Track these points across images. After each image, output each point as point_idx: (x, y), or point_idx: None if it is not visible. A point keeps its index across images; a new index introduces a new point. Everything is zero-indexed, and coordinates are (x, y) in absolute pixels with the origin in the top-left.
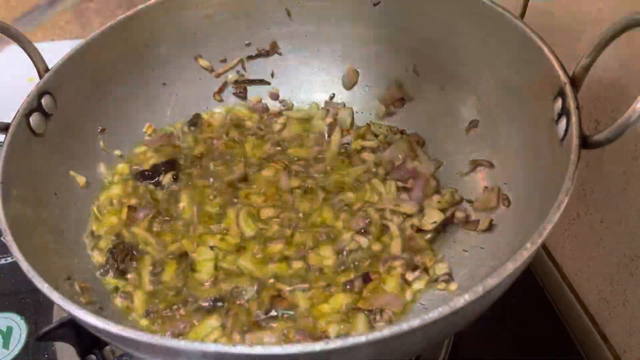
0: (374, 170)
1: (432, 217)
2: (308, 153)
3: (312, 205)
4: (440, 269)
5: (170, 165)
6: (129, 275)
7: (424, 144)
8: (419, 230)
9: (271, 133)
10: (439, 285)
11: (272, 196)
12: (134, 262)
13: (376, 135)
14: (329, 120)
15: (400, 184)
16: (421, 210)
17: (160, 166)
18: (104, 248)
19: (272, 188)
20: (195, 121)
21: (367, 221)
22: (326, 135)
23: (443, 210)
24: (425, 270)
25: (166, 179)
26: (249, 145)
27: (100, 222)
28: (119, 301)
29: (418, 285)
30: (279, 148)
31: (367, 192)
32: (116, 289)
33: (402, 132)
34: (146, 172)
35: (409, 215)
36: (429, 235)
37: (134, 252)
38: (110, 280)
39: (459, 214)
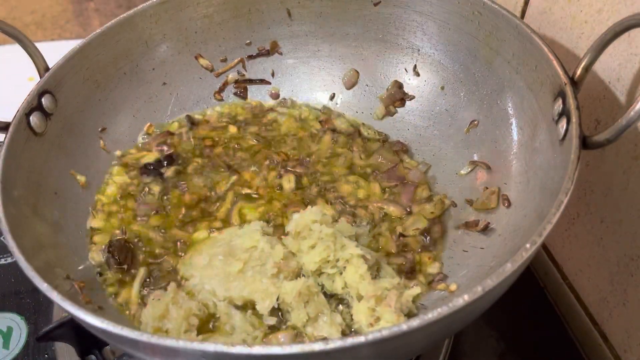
0: (360, 170)
1: (416, 224)
2: (300, 151)
3: (305, 200)
4: (433, 268)
5: (172, 159)
6: (128, 271)
7: (408, 151)
8: (403, 235)
9: (265, 130)
10: (439, 286)
11: (266, 190)
12: (132, 258)
13: (364, 140)
14: (323, 117)
15: (388, 185)
16: (410, 214)
17: (162, 160)
18: (103, 246)
19: (265, 182)
20: (192, 120)
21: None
22: (318, 136)
23: (435, 218)
24: (421, 270)
25: (169, 172)
26: (245, 141)
27: (100, 220)
28: (114, 292)
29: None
30: (271, 144)
31: (356, 190)
32: (114, 284)
33: (384, 141)
34: (149, 166)
35: (397, 218)
36: (419, 237)
37: (132, 248)
38: (109, 275)
39: (436, 229)
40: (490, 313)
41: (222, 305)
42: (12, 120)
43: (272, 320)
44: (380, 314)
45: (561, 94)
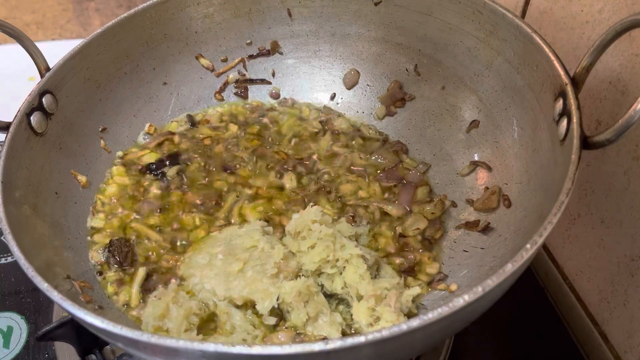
0: (360, 170)
1: (416, 224)
2: (301, 151)
3: (305, 198)
4: (433, 268)
5: (174, 159)
6: (128, 271)
7: (408, 151)
8: (403, 235)
9: (266, 130)
10: (440, 286)
11: (266, 190)
12: (132, 258)
13: (364, 140)
14: (323, 117)
15: (388, 185)
16: (410, 214)
17: (164, 160)
18: (103, 245)
19: (265, 182)
20: (193, 120)
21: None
22: (319, 135)
23: (436, 218)
24: (420, 270)
25: (170, 172)
26: (245, 141)
27: (101, 219)
28: (114, 292)
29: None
30: (272, 144)
31: (356, 190)
32: (114, 283)
33: (384, 141)
34: (151, 166)
35: (397, 218)
36: (419, 237)
37: (132, 248)
38: (109, 275)
39: (436, 229)
40: (490, 313)
41: (222, 304)
42: (13, 120)
43: (272, 320)
44: (380, 313)
45: (562, 94)
